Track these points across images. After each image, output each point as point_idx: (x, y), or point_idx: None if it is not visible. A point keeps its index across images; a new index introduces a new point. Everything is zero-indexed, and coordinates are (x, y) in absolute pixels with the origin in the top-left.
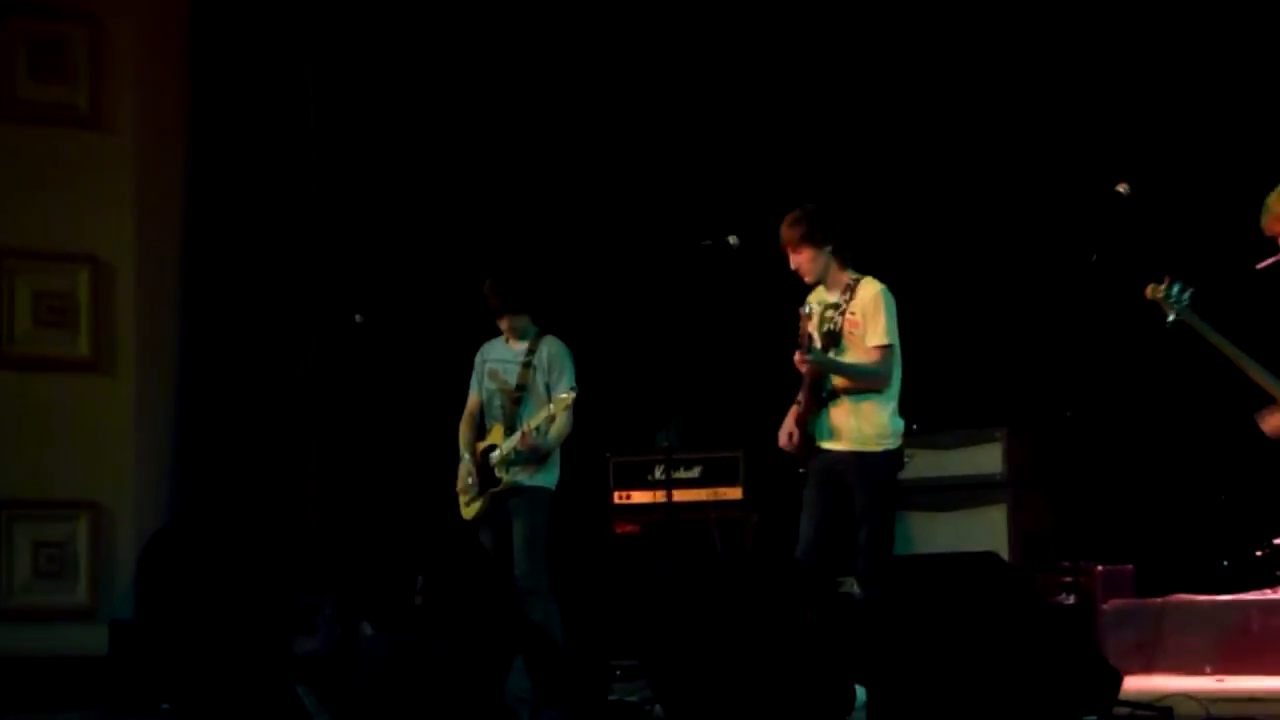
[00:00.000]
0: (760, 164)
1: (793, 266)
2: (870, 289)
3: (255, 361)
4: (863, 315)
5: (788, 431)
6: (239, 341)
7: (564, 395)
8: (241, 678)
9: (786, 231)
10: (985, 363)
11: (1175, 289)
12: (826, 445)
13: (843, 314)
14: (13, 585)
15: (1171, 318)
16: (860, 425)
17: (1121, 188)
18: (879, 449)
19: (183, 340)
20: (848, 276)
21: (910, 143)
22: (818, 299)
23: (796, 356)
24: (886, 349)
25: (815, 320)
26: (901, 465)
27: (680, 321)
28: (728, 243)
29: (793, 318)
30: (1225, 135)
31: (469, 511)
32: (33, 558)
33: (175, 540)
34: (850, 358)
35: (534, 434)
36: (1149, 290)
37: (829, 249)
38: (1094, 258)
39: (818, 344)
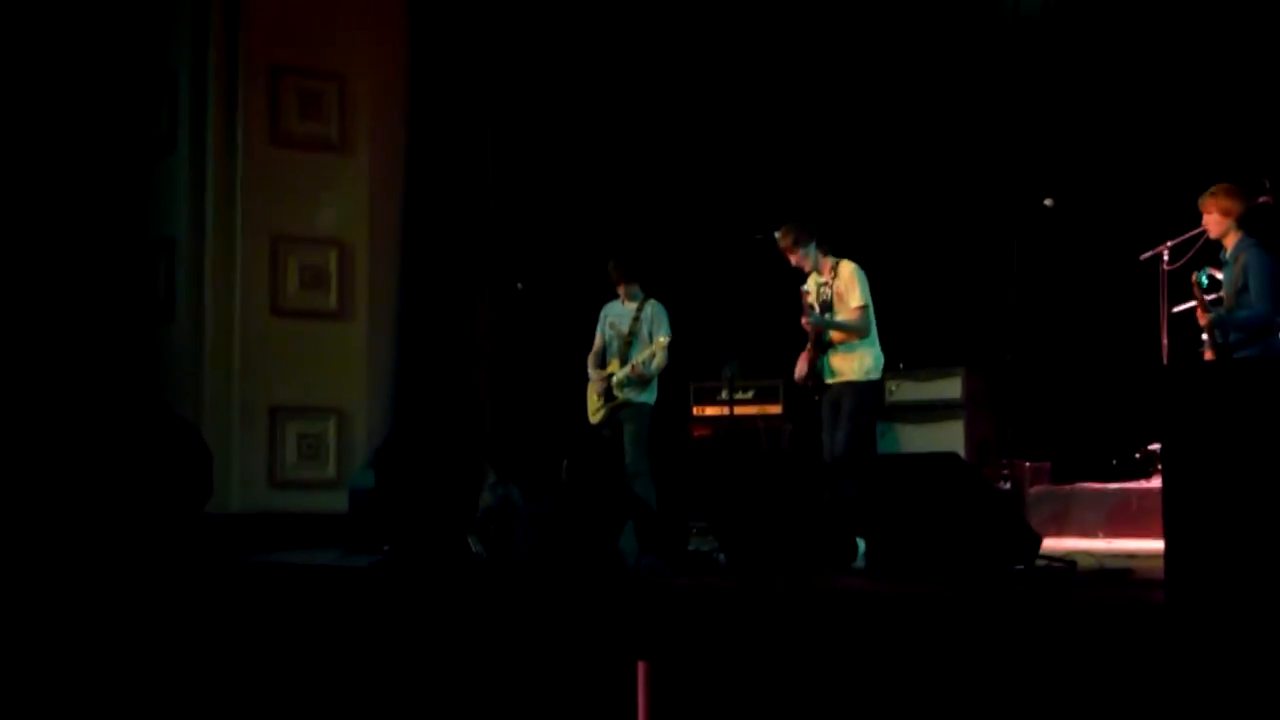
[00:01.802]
0: (772, 176)
1: (793, 264)
2: (847, 268)
3: (450, 314)
4: (844, 287)
5: (801, 373)
6: (439, 300)
7: (662, 339)
8: (440, 526)
9: (781, 243)
10: (949, 316)
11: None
12: (830, 380)
13: (830, 287)
14: (285, 464)
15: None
16: (852, 365)
17: (1048, 201)
18: (865, 380)
19: (401, 299)
20: (831, 261)
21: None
22: (814, 280)
23: (802, 320)
24: (863, 309)
25: (814, 294)
26: (882, 393)
27: (740, 291)
28: (773, 236)
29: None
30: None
31: (595, 418)
32: (297, 446)
33: (398, 438)
34: (840, 318)
35: (641, 365)
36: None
37: (813, 245)
38: (1048, 202)
39: (817, 310)
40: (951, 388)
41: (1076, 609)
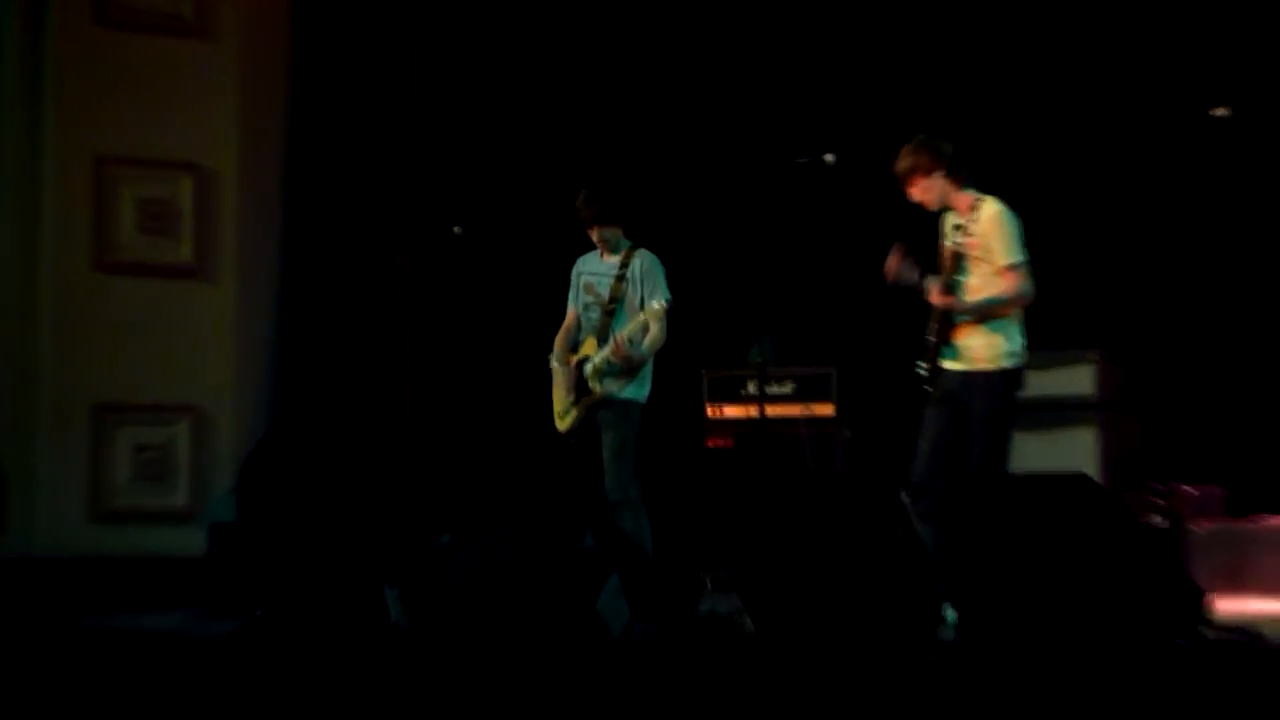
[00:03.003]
0: (865, 78)
1: (915, 200)
2: (988, 209)
3: (355, 271)
4: (983, 236)
5: (895, 272)
6: (339, 252)
7: (657, 305)
8: (335, 578)
9: (896, 170)
10: (1081, 281)
11: None
12: (948, 365)
13: (966, 234)
14: (115, 487)
15: None
16: (979, 344)
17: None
18: (995, 368)
19: (284, 249)
20: (969, 196)
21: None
22: (951, 221)
23: (933, 292)
24: (1017, 267)
25: (947, 241)
26: (1020, 385)
27: (776, 237)
28: (823, 160)
29: (890, 234)
30: None
31: (563, 423)
32: (133, 460)
33: (277, 447)
34: (974, 279)
35: (627, 344)
36: None
37: (940, 174)
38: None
39: (947, 266)
40: (1080, 379)
41: (1265, 707)
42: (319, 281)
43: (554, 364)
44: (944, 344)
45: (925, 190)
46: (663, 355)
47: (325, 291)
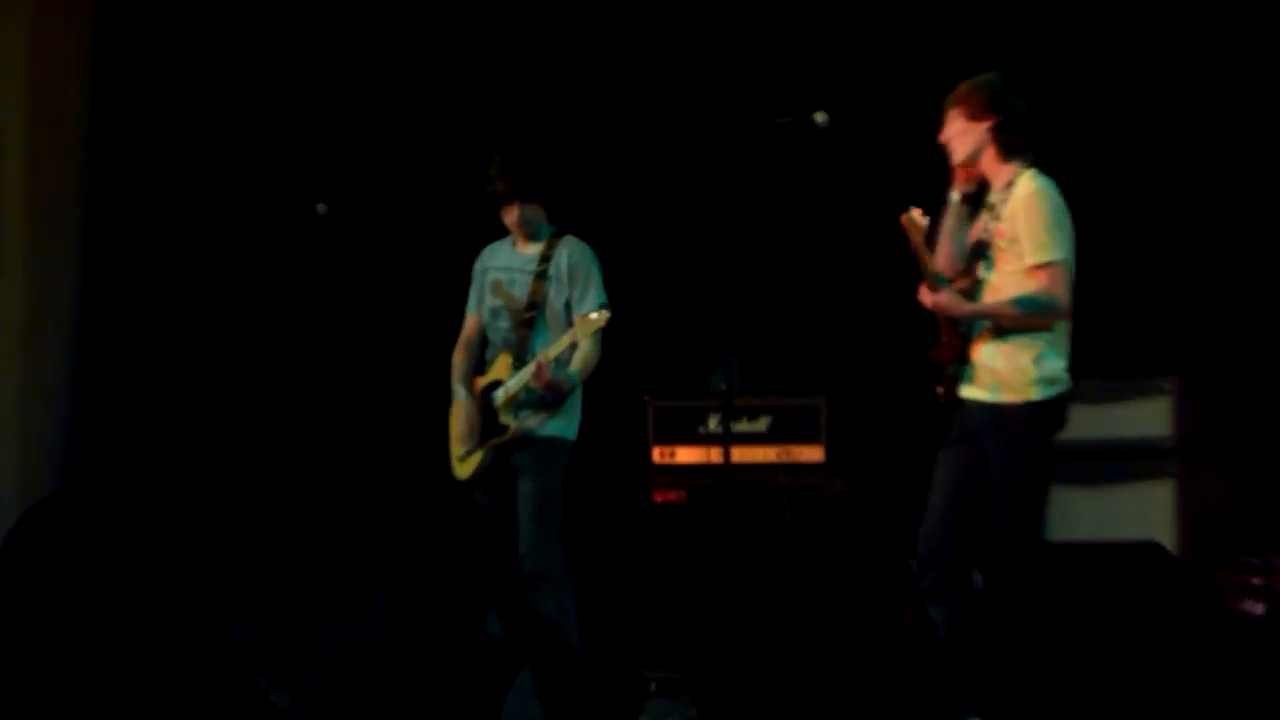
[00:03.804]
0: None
1: (941, 142)
2: (1023, 186)
3: (182, 261)
4: (1012, 220)
5: (943, 364)
6: (162, 240)
7: (592, 315)
8: (159, 686)
9: (950, 96)
10: (1154, 289)
11: None
12: (965, 393)
13: (995, 217)
14: None
15: None
16: (1002, 367)
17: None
18: (1020, 400)
19: (84, 239)
20: (1009, 170)
21: None
22: (989, 199)
23: (921, 290)
24: (1049, 265)
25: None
26: (1059, 423)
27: (746, 224)
28: (813, 121)
29: (896, 216)
30: None
31: (463, 469)
32: None
33: (64, 509)
34: (997, 276)
35: (551, 366)
36: None
37: (986, 127)
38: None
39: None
40: (1154, 418)
41: None
42: (135, 275)
43: (455, 390)
44: (961, 363)
45: (959, 135)
46: (594, 378)
47: (143, 288)
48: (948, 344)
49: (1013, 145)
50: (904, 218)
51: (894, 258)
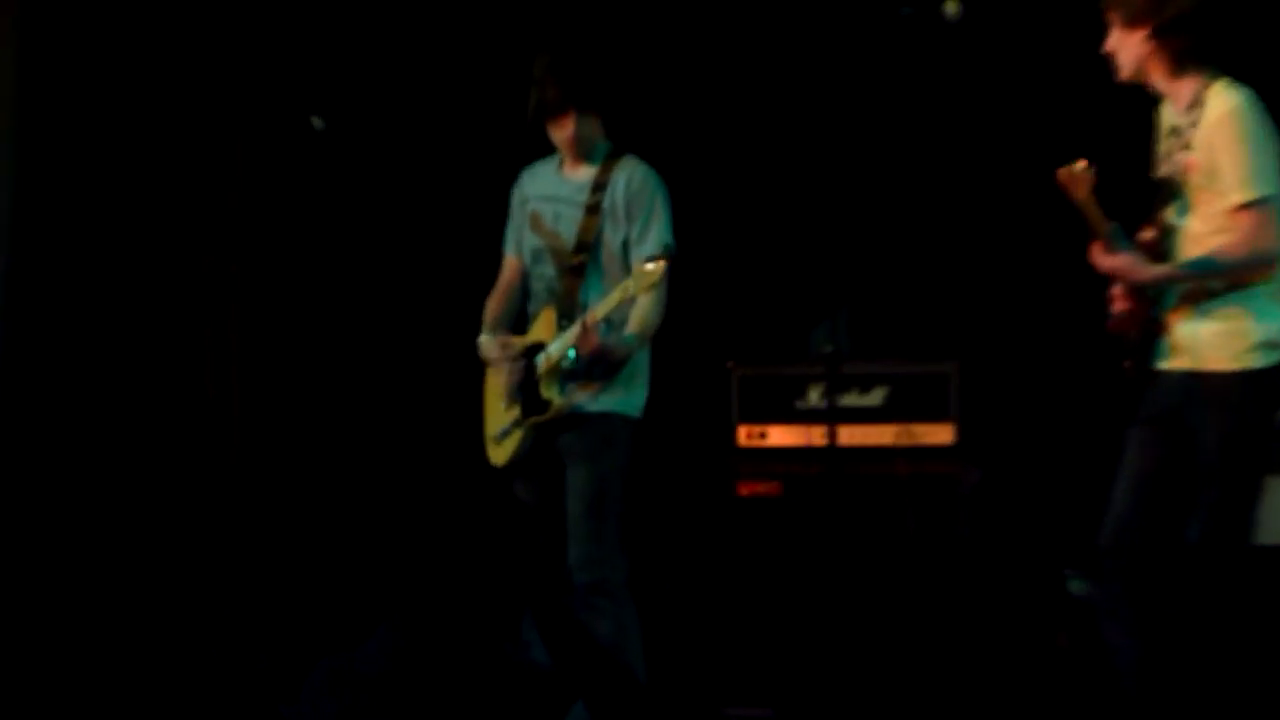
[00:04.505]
0: None
1: (1105, 49)
2: (1218, 103)
3: (146, 171)
4: (1206, 148)
5: (1122, 326)
6: (120, 136)
7: (650, 265)
8: None
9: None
10: None
11: None
12: (1164, 365)
13: (1183, 145)
14: None
15: None
16: (1209, 333)
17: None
18: (1235, 368)
19: (24, 122)
20: (1190, 84)
21: None
22: (1167, 121)
23: (1092, 250)
24: (1259, 204)
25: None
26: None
27: (856, 145)
28: (942, 9)
29: (1058, 146)
30: None
31: (500, 452)
32: None
33: None
34: (1195, 221)
35: (600, 328)
36: None
37: (1147, 33)
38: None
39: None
40: None
41: None
42: (72, 250)
43: (485, 350)
44: (1151, 332)
45: (1120, 45)
46: (665, 340)
47: (86, 265)
48: (1133, 311)
49: (1183, 52)
50: (1063, 173)
51: (1046, 187)
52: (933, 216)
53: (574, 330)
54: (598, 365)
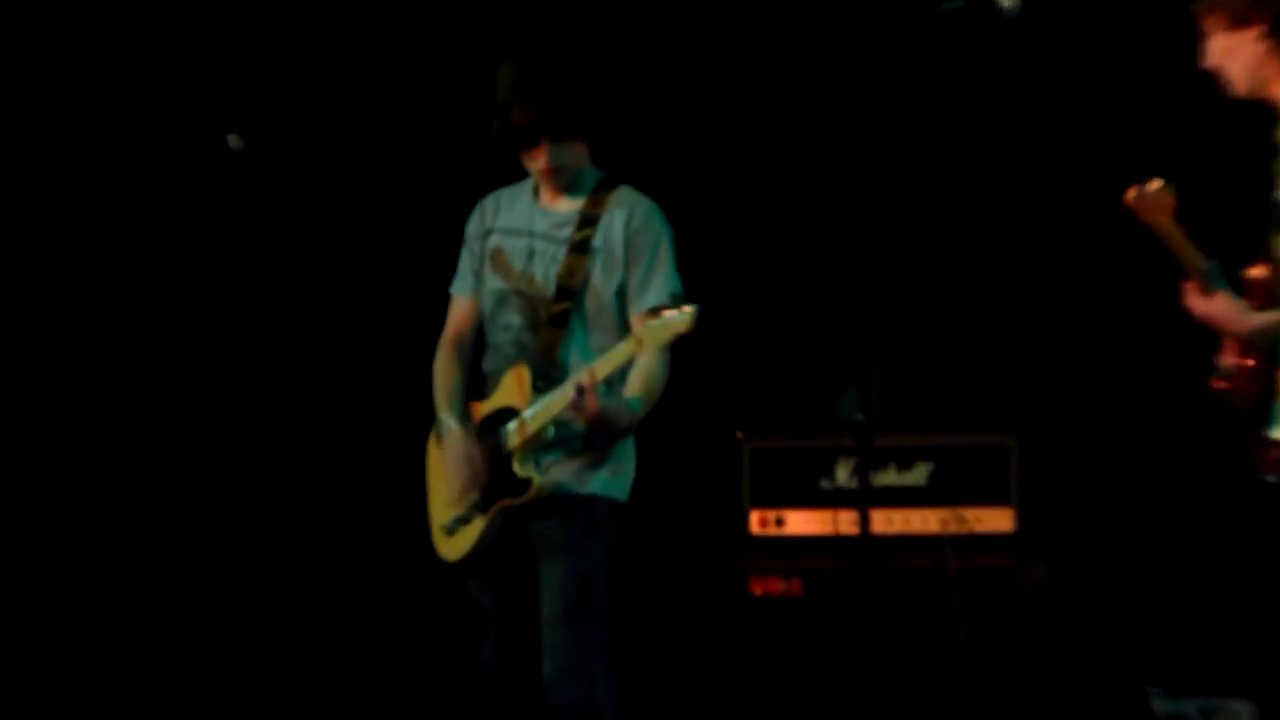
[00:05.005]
0: None
1: (1209, 69)
2: None
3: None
4: None
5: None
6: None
7: (670, 313)
8: None
9: (1199, 1)
10: None
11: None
12: None
13: None
14: None
15: None
16: None
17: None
18: None
19: None
20: None
21: None
22: None
23: (1186, 292)
24: None
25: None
26: None
27: (890, 168)
28: (997, 3)
29: (1132, 158)
30: None
31: (453, 545)
32: None
33: None
34: None
35: (600, 392)
36: None
37: (1261, 35)
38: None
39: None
40: None
41: None
42: None
43: (440, 422)
44: (1269, 395)
45: (1226, 54)
46: (655, 406)
47: None
48: (1248, 368)
49: None
50: (1133, 195)
51: (1124, 217)
52: (982, 253)
53: (562, 393)
54: (597, 434)
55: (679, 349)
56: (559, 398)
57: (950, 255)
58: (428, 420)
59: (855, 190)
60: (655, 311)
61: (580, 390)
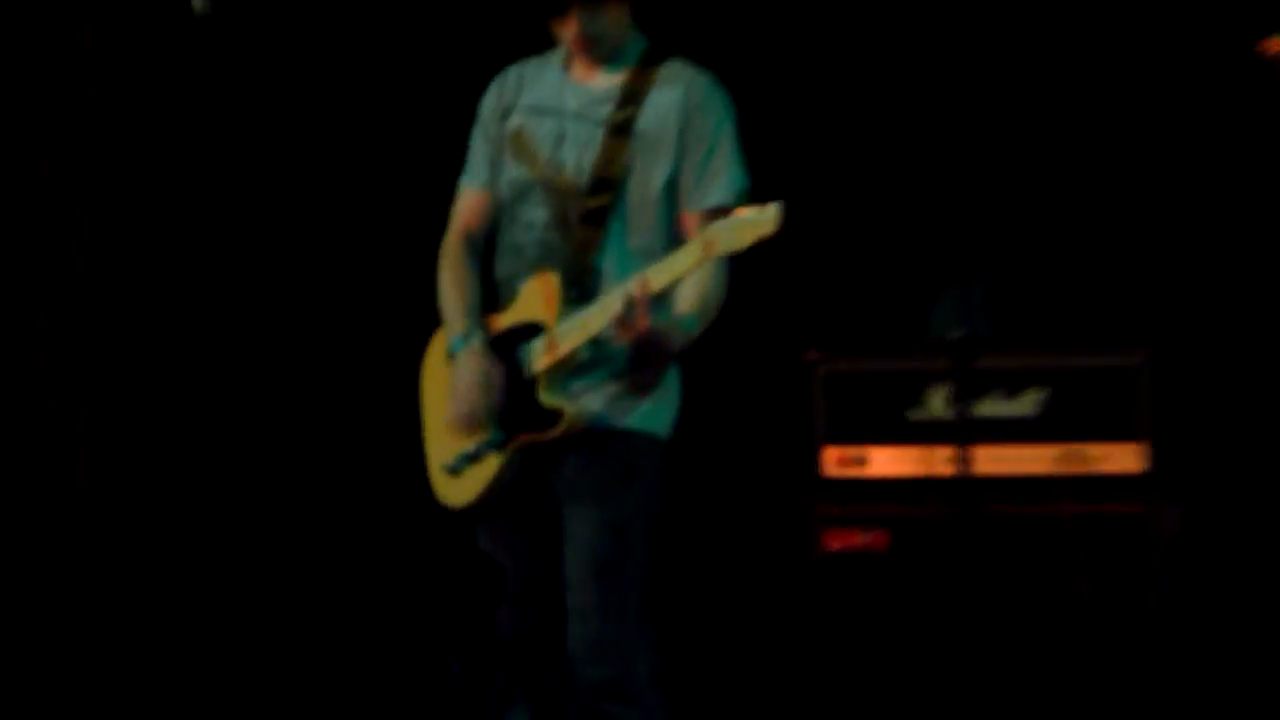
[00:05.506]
0: None
1: None
2: None
3: None
4: None
5: None
6: None
7: (745, 212)
8: None
9: None
10: None
11: None
12: None
13: None
14: None
15: None
16: None
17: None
18: None
19: None
20: None
21: None
22: None
23: None
24: None
25: None
26: None
27: (983, 54)
28: None
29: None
30: None
31: (458, 490)
32: None
33: None
34: None
35: (645, 298)
36: None
37: None
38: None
39: None
40: None
41: None
42: None
43: (450, 332)
44: None
45: None
46: (715, 331)
47: None
48: None
49: None
50: (1275, 44)
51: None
52: (1105, 139)
53: (602, 306)
54: (646, 357)
55: (737, 256)
56: (598, 312)
57: (1067, 143)
58: (414, 342)
59: (954, 66)
60: (717, 211)
61: (630, 303)
